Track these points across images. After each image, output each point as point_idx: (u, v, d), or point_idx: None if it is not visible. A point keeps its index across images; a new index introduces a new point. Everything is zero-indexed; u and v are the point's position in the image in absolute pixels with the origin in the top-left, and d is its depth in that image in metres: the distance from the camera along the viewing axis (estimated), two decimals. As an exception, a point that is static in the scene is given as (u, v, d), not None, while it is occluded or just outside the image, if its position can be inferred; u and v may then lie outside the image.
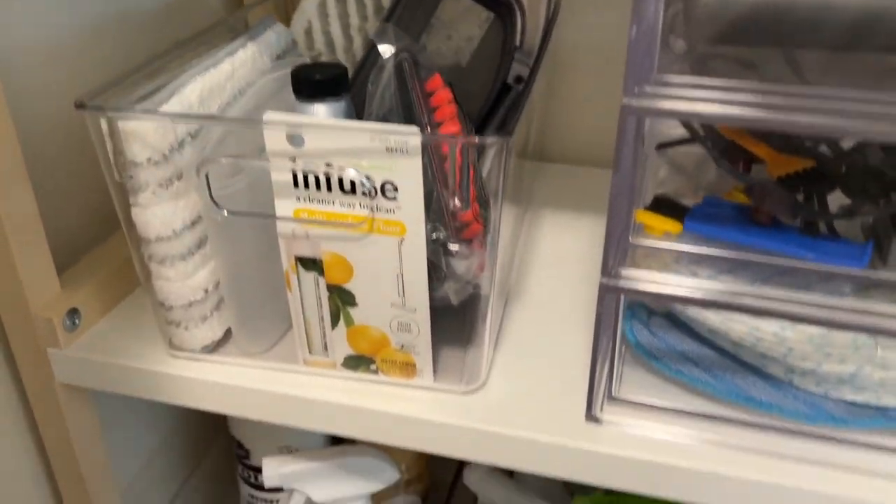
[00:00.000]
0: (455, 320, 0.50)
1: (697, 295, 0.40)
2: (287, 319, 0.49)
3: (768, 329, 0.43)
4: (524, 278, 0.61)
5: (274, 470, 0.60)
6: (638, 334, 0.49)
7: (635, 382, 0.49)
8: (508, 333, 0.55)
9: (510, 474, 0.67)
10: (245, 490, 0.77)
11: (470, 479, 0.61)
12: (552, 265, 0.62)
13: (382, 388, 0.50)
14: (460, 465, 0.74)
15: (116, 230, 0.60)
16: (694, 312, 0.46)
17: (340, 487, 0.61)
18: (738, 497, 0.43)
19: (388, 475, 0.62)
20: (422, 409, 0.48)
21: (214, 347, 0.52)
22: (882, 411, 0.43)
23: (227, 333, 0.53)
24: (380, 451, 0.62)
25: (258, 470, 0.74)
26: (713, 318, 0.45)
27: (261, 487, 0.75)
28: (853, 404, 0.44)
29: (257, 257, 0.49)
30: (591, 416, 0.46)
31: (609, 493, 0.56)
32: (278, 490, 0.74)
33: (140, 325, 0.56)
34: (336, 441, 0.75)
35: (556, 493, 0.64)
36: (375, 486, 0.62)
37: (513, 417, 0.47)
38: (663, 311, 0.51)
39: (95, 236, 0.62)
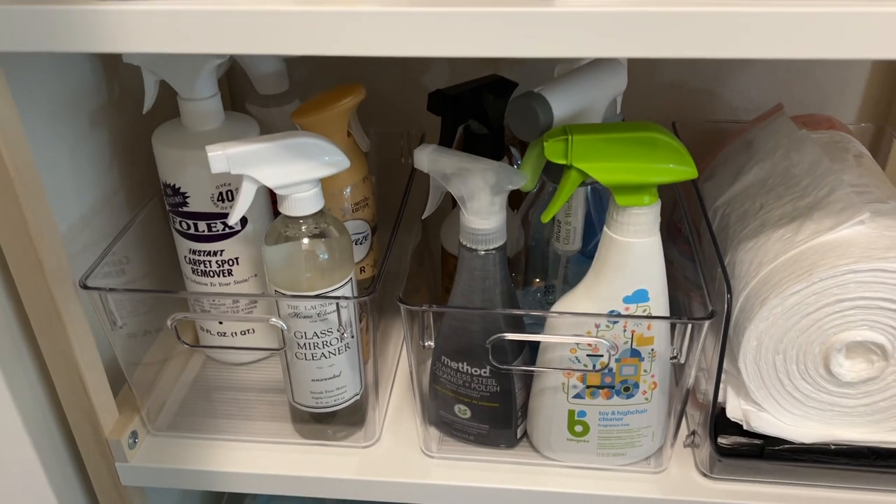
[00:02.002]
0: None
1: None
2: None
3: None
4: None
5: (220, 151, 0.57)
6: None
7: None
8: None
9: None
10: (184, 246, 0.74)
11: (420, 159, 0.61)
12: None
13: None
14: (406, 191, 0.74)
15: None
16: None
17: (292, 171, 0.60)
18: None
19: (338, 160, 0.61)
20: None
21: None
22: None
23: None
24: (327, 138, 0.61)
25: (198, 216, 0.71)
26: None
27: (201, 238, 0.72)
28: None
29: None
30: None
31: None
32: (221, 237, 0.72)
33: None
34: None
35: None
36: (326, 171, 0.61)
37: None
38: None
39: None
